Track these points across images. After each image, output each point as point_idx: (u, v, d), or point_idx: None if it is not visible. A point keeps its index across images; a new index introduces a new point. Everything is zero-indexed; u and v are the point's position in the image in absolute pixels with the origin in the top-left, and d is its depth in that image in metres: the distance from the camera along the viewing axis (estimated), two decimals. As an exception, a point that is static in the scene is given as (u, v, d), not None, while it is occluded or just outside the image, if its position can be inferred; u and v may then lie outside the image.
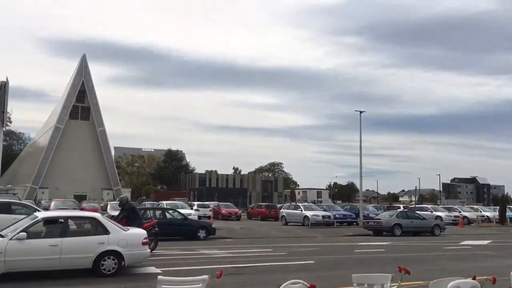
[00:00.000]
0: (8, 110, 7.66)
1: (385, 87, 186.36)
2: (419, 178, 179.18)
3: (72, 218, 11.34)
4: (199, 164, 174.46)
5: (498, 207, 41.42)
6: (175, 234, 19.90)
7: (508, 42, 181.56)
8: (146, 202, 45.05)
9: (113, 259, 10.37)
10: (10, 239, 9.59)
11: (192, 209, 35.13)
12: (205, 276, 5.12)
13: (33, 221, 10.30)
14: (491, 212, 42.12)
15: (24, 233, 9.71)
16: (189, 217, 24.01)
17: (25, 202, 22.04)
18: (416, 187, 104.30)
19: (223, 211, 40.30)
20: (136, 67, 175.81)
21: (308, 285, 4.70)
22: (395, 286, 5.49)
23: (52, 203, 32.47)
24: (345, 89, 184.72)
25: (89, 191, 67.74)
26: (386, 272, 5.70)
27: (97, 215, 11.72)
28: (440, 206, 50.96)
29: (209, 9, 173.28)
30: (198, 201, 51.33)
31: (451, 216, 37.81)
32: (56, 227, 10.54)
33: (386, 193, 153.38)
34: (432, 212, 38.22)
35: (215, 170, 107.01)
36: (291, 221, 32.56)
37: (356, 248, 18.43)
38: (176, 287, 5.08)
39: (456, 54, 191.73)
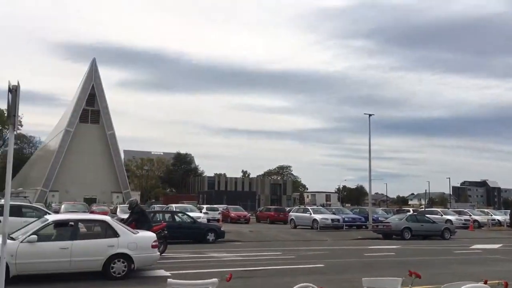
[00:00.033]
0: (19, 114, 7.69)
1: (394, 90, 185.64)
2: (428, 181, 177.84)
3: (82, 221, 11.41)
4: (208, 167, 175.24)
5: (509, 210, 41.00)
6: (184, 237, 19.94)
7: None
8: (155, 205, 45.18)
9: (123, 262, 10.42)
10: (21, 242, 9.68)
11: (201, 212, 35.19)
12: (215, 279, 5.13)
13: (43, 224, 10.39)
14: (502, 216, 41.72)
15: (35, 236, 9.80)
16: (198, 220, 24.04)
17: (35, 205, 22.26)
18: (425, 190, 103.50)
19: (232, 214, 40.30)
20: (145, 71, 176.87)
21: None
22: (406, 290, 5.44)
23: (62, 206, 32.74)
24: (354, 92, 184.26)
25: (99, 194, 68.22)
26: (397, 276, 5.66)
27: (107, 218, 11.78)
28: (450, 209, 50.55)
29: (217, 12, 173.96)
30: (207, 204, 51.41)
31: (461, 219, 37.47)
32: (66, 230, 10.62)
33: (395, 197, 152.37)
34: (442, 215, 37.89)
35: (224, 173, 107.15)
36: (300, 224, 32.48)
37: (366, 251, 18.32)
38: (185, 290, 5.08)
39: (465, 56, 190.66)
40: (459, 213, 41.35)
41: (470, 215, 39.86)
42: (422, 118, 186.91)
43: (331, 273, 12.30)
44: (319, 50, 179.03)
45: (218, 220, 33.94)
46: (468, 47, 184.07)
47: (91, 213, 28.83)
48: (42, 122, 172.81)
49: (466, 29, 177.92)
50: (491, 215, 41.99)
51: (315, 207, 43.59)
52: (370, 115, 33.83)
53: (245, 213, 42.12)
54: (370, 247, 20.40)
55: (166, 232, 15.35)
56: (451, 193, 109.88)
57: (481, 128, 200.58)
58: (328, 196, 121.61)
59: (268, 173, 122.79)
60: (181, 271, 11.64)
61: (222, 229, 21.95)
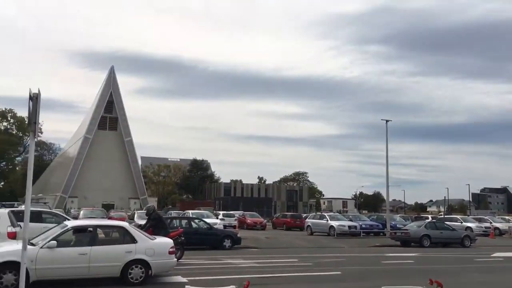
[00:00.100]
0: (39, 121, 7.81)
1: (412, 96, 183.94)
2: (447, 188, 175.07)
3: (101, 227, 11.50)
4: (224, 173, 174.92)
5: (532, 218, 40.06)
6: (200, 243, 19.96)
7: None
8: (172, 211, 45.37)
9: (141, 268, 10.47)
10: (41, 247, 9.80)
11: (217, 218, 35.19)
12: (233, 287, 5.12)
13: (63, 230, 10.51)
14: (524, 223, 40.76)
15: (55, 242, 9.90)
16: (215, 226, 24.05)
17: (55, 211, 22.54)
18: (444, 197, 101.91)
19: (248, 221, 40.21)
20: (163, 78, 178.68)
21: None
22: (426, 299, 5.35)
23: (81, 212, 33.07)
24: (371, 97, 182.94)
25: (117, 200, 68.86)
26: (417, 284, 5.58)
27: (125, 224, 11.86)
28: (470, 216, 49.66)
29: (234, 19, 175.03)
30: (223, 210, 51.40)
31: (481, 227, 36.76)
32: (85, 236, 10.72)
33: (413, 203, 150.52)
34: (462, 223, 37.23)
35: (240, 180, 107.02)
36: (316, 231, 32.25)
37: (384, 259, 18.09)
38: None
39: (484, 61, 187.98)
40: (480, 220, 40.57)
41: (491, 223, 39.08)
42: (441, 123, 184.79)
43: (348, 281, 12.17)
44: (335, 56, 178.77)
45: (234, 227, 33.91)
46: (487, 51, 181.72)
47: (109, 219, 29.07)
48: (61, 129, 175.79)
49: (485, 34, 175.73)
50: (513, 223, 41.08)
51: (331, 213, 43.23)
52: (387, 121, 33.47)
53: (262, 219, 41.99)
54: (388, 254, 20.15)
55: (183, 238, 15.39)
56: (470, 200, 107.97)
57: (502, 133, 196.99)
58: (344, 202, 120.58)
59: (284, 180, 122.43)
60: (198, 278, 11.64)
61: (238, 235, 21.93)
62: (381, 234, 31.83)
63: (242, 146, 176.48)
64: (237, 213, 44.05)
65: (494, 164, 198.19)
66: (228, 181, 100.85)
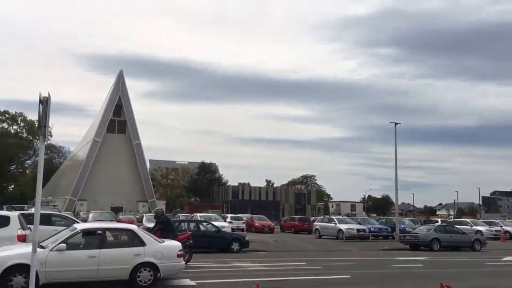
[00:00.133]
0: (49, 125, 7.86)
1: (421, 98, 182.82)
2: (457, 191, 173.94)
3: (110, 229, 11.53)
4: (232, 176, 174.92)
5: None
6: (208, 246, 19.97)
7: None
8: (180, 214, 45.44)
9: (149, 271, 10.49)
10: (51, 250, 9.86)
11: (225, 221, 35.20)
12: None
13: (72, 233, 10.56)
14: (535, 227, 40.29)
15: (64, 245, 9.96)
16: (223, 229, 24.05)
17: (64, 214, 22.70)
18: (454, 200, 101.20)
19: (256, 224, 40.18)
20: (171, 82, 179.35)
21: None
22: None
23: (90, 215, 33.23)
24: (379, 100, 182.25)
25: (125, 203, 69.16)
26: (427, 288, 5.52)
27: (133, 227, 11.89)
28: (480, 220, 49.22)
29: (243, 23, 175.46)
30: (231, 213, 51.40)
31: (492, 230, 36.42)
32: (94, 239, 10.76)
33: (422, 207, 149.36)
34: (472, 226, 36.91)
35: (248, 183, 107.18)
36: (324, 234, 32.13)
37: (393, 262, 17.98)
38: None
39: (494, 63, 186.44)
40: (490, 223, 40.19)
41: (501, 226, 38.71)
42: (450, 126, 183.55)
43: (358, 285, 12.10)
44: (344, 58, 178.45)
45: (242, 230, 33.89)
46: (498, 54, 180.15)
47: (117, 222, 29.19)
48: (71, 133, 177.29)
49: (494, 36, 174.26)
50: (524, 226, 40.63)
51: (340, 217, 43.05)
52: (396, 123, 33.32)
53: (269, 222, 41.95)
54: (397, 258, 20.02)
55: (191, 241, 15.39)
56: (481, 203, 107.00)
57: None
58: (353, 205, 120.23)
59: (292, 183, 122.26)
60: (206, 281, 11.64)
61: (246, 238, 21.89)
62: (390, 237, 31.64)
63: (250, 149, 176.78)
64: (245, 216, 44.05)
65: (505, 167, 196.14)
66: (236, 184, 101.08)
